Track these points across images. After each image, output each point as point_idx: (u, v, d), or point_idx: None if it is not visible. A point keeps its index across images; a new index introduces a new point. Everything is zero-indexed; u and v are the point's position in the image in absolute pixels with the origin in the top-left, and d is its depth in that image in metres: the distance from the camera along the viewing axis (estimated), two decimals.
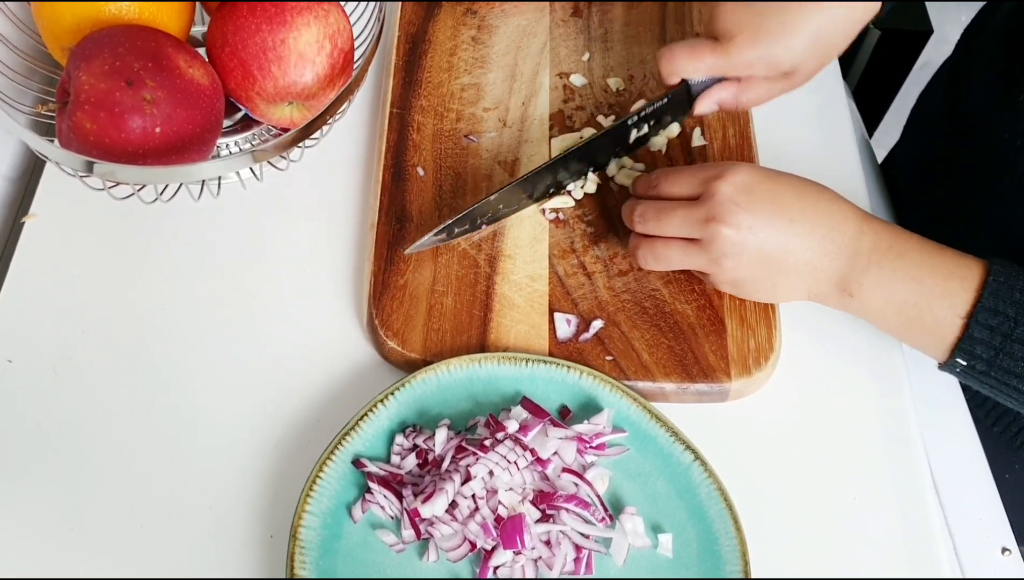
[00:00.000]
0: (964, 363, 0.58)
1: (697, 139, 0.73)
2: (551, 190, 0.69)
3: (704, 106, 0.68)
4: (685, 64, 0.65)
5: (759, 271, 0.60)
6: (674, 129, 0.73)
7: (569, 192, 0.70)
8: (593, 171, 0.70)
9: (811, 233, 0.59)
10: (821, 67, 0.65)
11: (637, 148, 0.71)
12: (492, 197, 0.65)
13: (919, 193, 0.82)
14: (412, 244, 0.64)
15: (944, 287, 0.58)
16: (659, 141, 0.72)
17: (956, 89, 0.78)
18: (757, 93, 0.67)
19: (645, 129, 0.70)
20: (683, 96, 0.68)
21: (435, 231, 0.64)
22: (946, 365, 0.60)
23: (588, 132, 0.73)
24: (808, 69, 0.65)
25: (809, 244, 0.59)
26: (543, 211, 0.69)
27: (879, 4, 0.64)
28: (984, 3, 0.79)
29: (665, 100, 0.68)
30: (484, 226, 0.68)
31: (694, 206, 0.60)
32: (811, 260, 0.60)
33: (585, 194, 0.70)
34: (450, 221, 0.64)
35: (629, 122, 0.68)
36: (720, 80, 0.67)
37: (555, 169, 0.68)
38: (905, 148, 0.91)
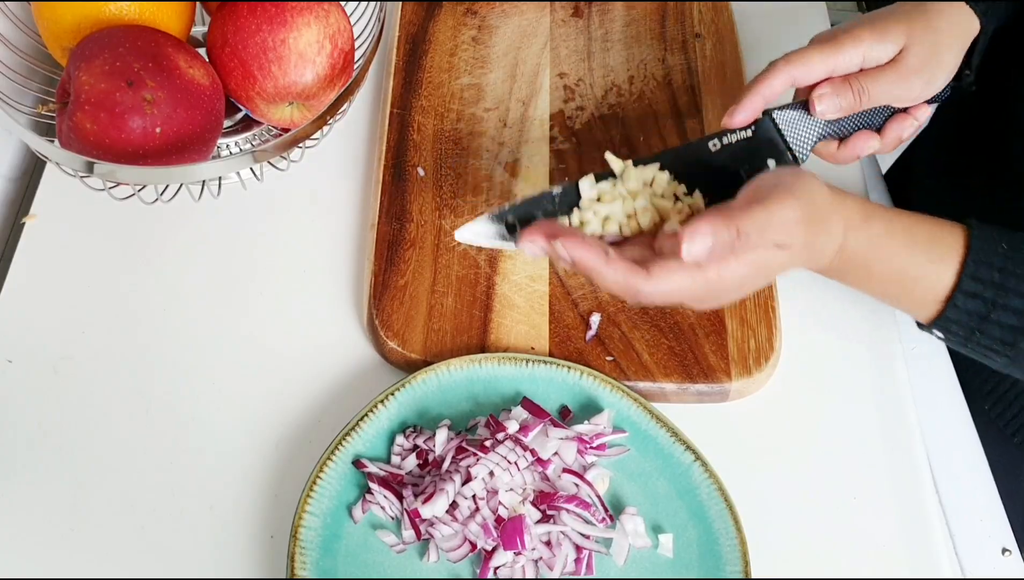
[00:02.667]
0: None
1: None
2: None
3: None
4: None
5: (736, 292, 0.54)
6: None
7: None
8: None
9: (790, 261, 0.54)
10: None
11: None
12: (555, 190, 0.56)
13: (930, 197, 0.81)
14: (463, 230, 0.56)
15: (925, 269, 0.55)
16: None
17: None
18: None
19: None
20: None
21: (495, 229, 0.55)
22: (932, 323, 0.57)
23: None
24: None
25: (787, 265, 0.54)
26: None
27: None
28: None
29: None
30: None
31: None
32: (787, 268, 0.55)
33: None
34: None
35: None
36: None
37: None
38: (918, 153, 0.90)
